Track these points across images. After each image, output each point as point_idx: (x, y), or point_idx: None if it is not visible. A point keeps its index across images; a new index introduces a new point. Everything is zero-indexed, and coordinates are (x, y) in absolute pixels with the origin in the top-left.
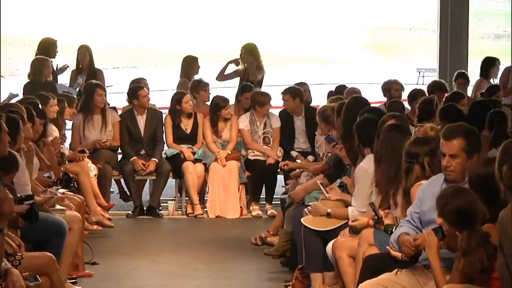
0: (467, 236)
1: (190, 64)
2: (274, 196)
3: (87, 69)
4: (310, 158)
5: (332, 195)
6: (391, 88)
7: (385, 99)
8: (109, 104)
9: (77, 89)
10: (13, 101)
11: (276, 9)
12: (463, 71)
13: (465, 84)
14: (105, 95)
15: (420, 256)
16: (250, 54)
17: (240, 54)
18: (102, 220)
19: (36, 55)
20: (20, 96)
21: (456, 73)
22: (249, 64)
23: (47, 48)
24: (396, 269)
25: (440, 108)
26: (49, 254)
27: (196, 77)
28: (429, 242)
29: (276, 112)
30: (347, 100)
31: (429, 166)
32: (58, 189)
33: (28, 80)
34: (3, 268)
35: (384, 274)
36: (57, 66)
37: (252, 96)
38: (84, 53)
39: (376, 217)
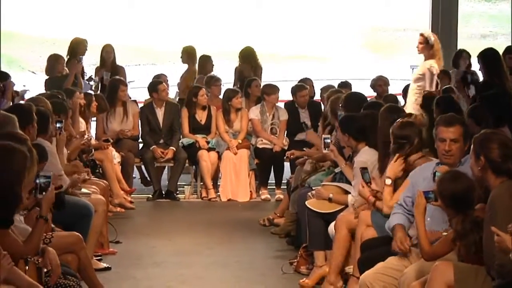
0: (461, 220)
1: (204, 62)
2: (282, 181)
3: (110, 66)
4: None
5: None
6: (375, 84)
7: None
8: (130, 98)
9: (93, 86)
10: (26, 95)
11: (279, 12)
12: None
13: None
14: (127, 89)
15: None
16: (244, 60)
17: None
18: (125, 203)
19: (67, 52)
20: (30, 91)
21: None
22: (246, 67)
23: (76, 45)
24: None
25: (437, 98)
26: (77, 233)
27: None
28: (417, 203)
29: (280, 105)
30: (344, 95)
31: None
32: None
33: (47, 76)
34: (40, 247)
35: (379, 263)
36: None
37: (262, 88)
38: (110, 51)
39: (368, 184)
